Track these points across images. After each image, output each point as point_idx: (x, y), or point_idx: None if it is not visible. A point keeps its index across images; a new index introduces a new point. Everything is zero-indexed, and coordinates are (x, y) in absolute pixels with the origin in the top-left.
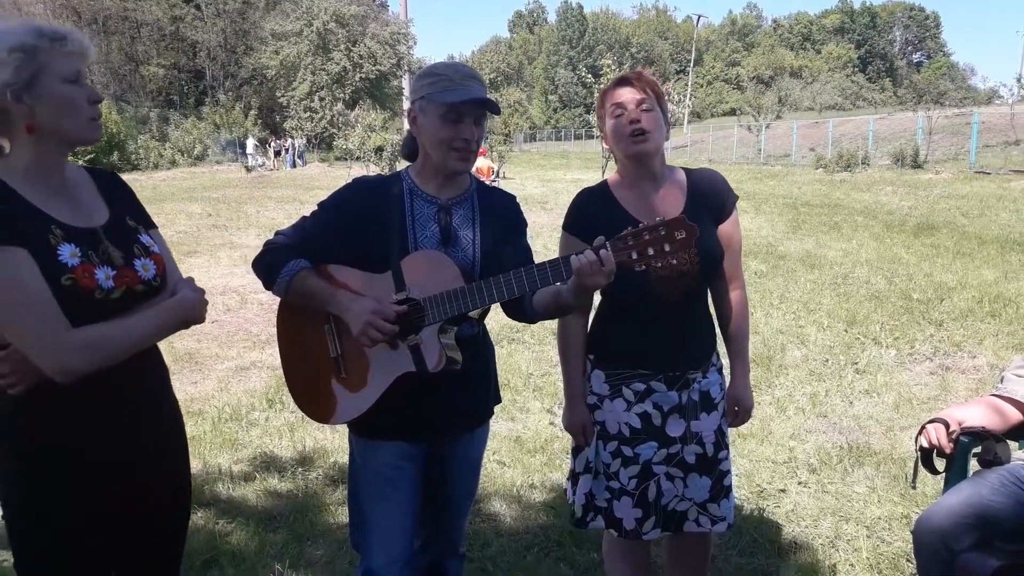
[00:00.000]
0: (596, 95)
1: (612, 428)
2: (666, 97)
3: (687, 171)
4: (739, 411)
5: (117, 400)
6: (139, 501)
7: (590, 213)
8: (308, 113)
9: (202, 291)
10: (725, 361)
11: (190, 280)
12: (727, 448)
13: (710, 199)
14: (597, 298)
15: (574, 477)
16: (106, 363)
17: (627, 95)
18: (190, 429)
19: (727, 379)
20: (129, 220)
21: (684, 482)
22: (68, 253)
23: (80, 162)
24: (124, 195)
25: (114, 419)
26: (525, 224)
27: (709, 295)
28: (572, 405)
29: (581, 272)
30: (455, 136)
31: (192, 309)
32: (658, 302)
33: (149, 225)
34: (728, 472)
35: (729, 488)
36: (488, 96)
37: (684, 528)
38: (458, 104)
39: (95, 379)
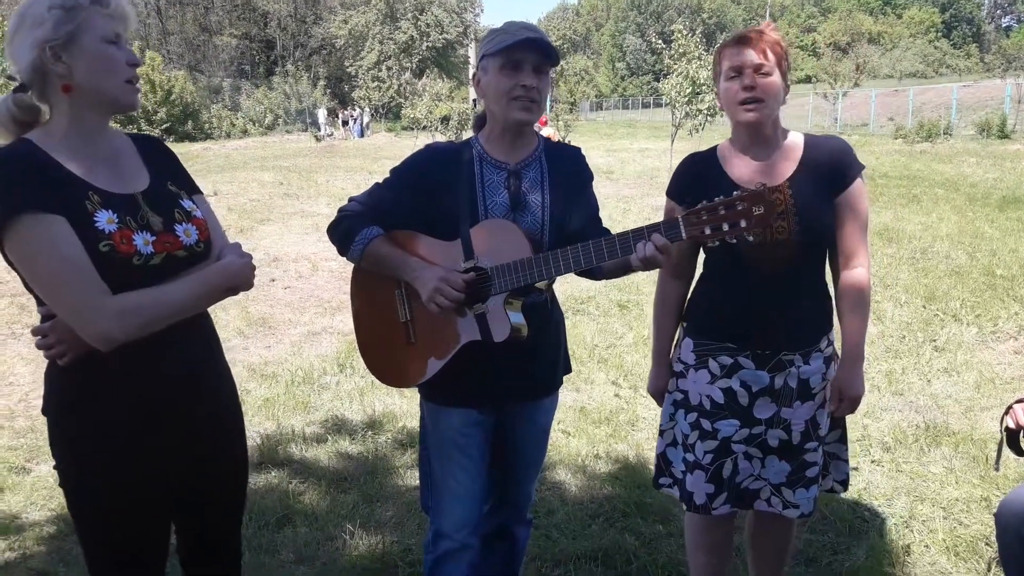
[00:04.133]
0: (666, 62)
1: (694, 399)
2: (788, 55)
3: (807, 138)
4: (843, 400)
5: (163, 365)
6: (194, 463)
7: (693, 179)
8: (376, 83)
9: (249, 257)
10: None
11: (236, 245)
12: (819, 440)
13: (825, 168)
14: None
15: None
16: (145, 330)
17: (745, 58)
18: (264, 391)
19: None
20: (171, 185)
21: (762, 463)
22: (105, 219)
23: (156, 131)
24: (166, 160)
25: (160, 388)
26: (591, 176)
27: (827, 275)
28: (656, 370)
29: (644, 260)
30: (514, 84)
31: (237, 275)
32: (751, 272)
33: (193, 191)
34: (814, 464)
35: (811, 480)
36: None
37: (755, 506)
38: (512, 48)
39: (137, 347)
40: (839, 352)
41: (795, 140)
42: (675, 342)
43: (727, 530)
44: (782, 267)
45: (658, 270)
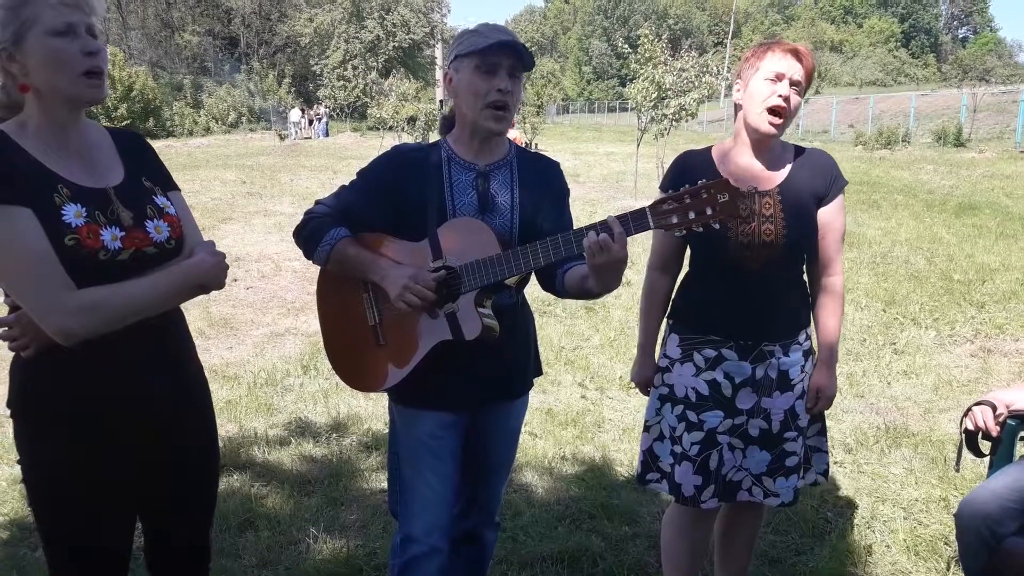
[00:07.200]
0: (632, 66)
1: (680, 392)
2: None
3: (797, 149)
4: (820, 398)
5: (128, 364)
6: (159, 464)
7: (685, 175)
8: (341, 82)
9: (222, 255)
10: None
11: (210, 244)
12: (799, 431)
13: (813, 179)
14: (685, 266)
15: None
16: (107, 327)
17: (791, 68)
18: (226, 393)
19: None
20: (145, 181)
21: (744, 453)
22: (73, 213)
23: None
24: (143, 156)
25: (126, 384)
26: (567, 192)
27: (805, 276)
28: (640, 359)
29: (589, 251)
30: (489, 88)
31: (206, 273)
32: (738, 269)
33: (169, 187)
34: (794, 454)
35: (792, 470)
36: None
37: (737, 497)
38: (488, 50)
39: (103, 344)
40: (815, 347)
41: (789, 151)
42: (661, 339)
43: (708, 527)
44: (767, 266)
45: (646, 267)
